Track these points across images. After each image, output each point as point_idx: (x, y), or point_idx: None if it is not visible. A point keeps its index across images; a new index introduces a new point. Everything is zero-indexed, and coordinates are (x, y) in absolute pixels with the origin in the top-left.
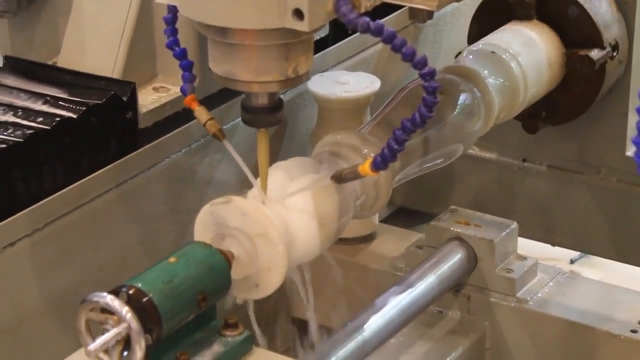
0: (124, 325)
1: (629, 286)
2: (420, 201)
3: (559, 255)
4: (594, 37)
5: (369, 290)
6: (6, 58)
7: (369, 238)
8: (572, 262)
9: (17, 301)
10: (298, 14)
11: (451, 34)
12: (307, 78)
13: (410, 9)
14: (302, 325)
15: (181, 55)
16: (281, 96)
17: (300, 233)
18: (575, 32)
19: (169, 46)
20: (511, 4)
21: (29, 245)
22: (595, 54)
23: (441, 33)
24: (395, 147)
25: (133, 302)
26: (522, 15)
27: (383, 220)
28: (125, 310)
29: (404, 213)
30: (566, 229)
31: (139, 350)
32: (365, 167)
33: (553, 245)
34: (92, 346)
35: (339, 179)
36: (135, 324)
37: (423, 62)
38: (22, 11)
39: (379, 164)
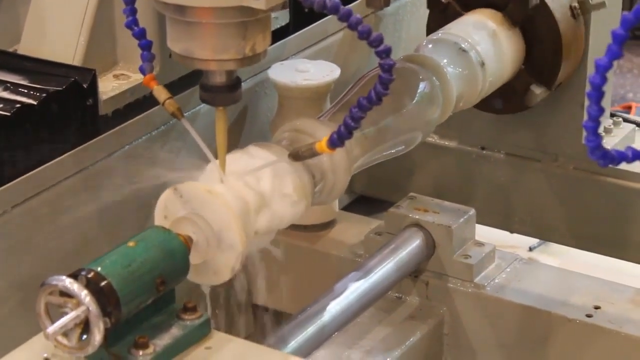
0: (82, 309)
1: (587, 273)
2: (380, 189)
3: (518, 243)
4: (551, 76)
5: (329, 277)
6: None
7: (329, 225)
8: (530, 249)
9: None
10: None
11: (411, 23)
12: (264, 57)
13: None
14: (263, 312)
15: (140, 34)
16: (242, 84)
17: (259, 212)
18: (541, 61)
19: (128, 26)
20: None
21: None
22: (541, 93)
23: (401, 23)
24: (352, 124)
25: (92, 285)
26: (512, 18)
27: (344, 208)
28: (84, 294)
29: (365, 201)
30: (524, 216)
31: (97, 334)
32: (322, 144)
33: (511, 232)
34: (51, 329)
35: (296, 156)
36: (94, 307)
37: (379, 40)
38: None
39: (335, 141)
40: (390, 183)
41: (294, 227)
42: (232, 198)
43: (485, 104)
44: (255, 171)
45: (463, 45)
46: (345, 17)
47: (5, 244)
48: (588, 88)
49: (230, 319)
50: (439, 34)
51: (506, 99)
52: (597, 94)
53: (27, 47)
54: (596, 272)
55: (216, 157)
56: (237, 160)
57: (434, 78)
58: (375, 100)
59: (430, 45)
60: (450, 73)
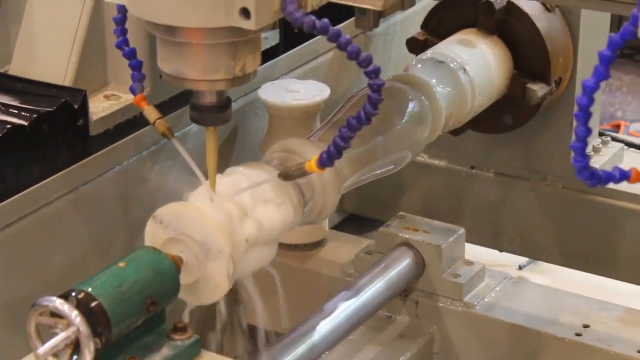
0: (73, 329)
1: (576, 292)
2: (370, 208)
3: (508, 262)
4: (543, 71)
5: (320, 296)
6: None
7: (319, 244)
8: (520, 268)
9: None
10: (245, 12)
11: (401, 43)
12: (254, 76)
13: (356, 18)
14: (253, 332)
15: (130, 54)
16: (232, 104)
17: (243, 219)
18: (527, 59)
19: (119, 46)
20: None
21: None
22: (541, 89)
23: (391, 43)
24: (341, 144)
25: (82, 306)
26: (486, 29)
27: (334, 227)
28: (74, 314)
29: (355, 220)
30: (513, 235)
31: (88, 354)
32: (312, 163)
33: (500, 251)
34: (41, 350)
35: (286, 176)
36: (84, 328)
37: (368, 60)
38: None
39: (325, 161)
40: (380, 202)
41: (284, 247)
42: (210, 208)
43: (494, 124)
44: (245, 189)
45: (452, 65)
46: (335, 38)
47: None
48: (576, 109)
49: (223, 339)
50: (428, 53)
51: (514, 113)
52: (585, 115)
53: (18, 67)
54: (585, 291)
55: (206, 176)
56: (228, 179)
57: (423, 98)
58: (364, 120)
59: (419, 65)
60: (440, 93)
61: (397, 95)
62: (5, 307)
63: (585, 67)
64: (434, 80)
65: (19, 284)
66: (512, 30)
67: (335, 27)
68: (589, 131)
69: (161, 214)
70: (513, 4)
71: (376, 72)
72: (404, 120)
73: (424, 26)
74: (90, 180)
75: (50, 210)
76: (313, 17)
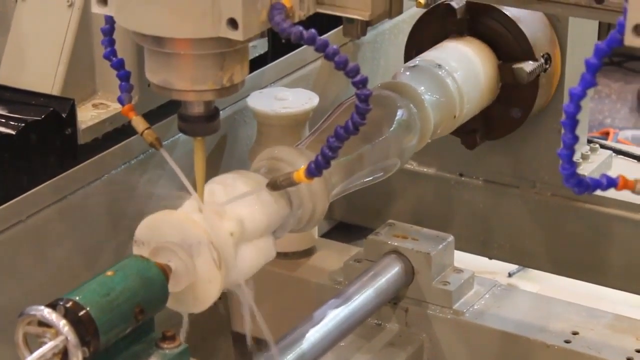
0: (61, 338)
1: (566, 299)
2: (359, 215)
3: (498, 269)
4: (526, 50)
5: (309, 304)
6: None
7: (308, 252)
8: (510, 275)
9: None
10: (232, 23)
11: (389, 51)
12: (242, 86)
13: (344, 26)
14: (242, 340)
15: (118, 65)
16: (221, 112)
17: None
18: (507, 46)
19: (107, 56)
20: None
21: None
22: (528, 65)
23: (379, 50)
24: (329, 154)
25: (70, 315)
26: (455, 32)
27: (323, 235)
28: (62, 324)
29: (344, 228)
30: (503, 242)
31: None
32: (300, 173)
33: (490, 258)
34: (29, 359)
35: (274, 186)
36: (72, 337)
37: (355, 70)
38: None
39: (313, 171)
40: (370, 210)
41: None
42: (208, 225)
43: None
44: (233, 200)
45: (440, 73)
46: (322, 48)
47: None
48: (563, 117)
49: (211, 347)
50: (417, 61)
51: (521, 105)
52: (572, 123)
53: (5, 77)
54: (575, 298)
55: (195, 187)
56: (216, 190)
57: (412, 105)
58: (352, 130)
59: (407, 73)
60: (428, 100)
61: (385, 103)
62: None
63: (573, 74)
64: (422, 88)
65: (6, 293)
66: (481, 25)
67: (322, 38)
68: (576, 139)
69: (138, 235)
70: (471, 2)
71: (364, 82)
72: (392, 128)
73: (407, 50)
74: (78, 189)
75: (38, 220)
76: (300, 28)
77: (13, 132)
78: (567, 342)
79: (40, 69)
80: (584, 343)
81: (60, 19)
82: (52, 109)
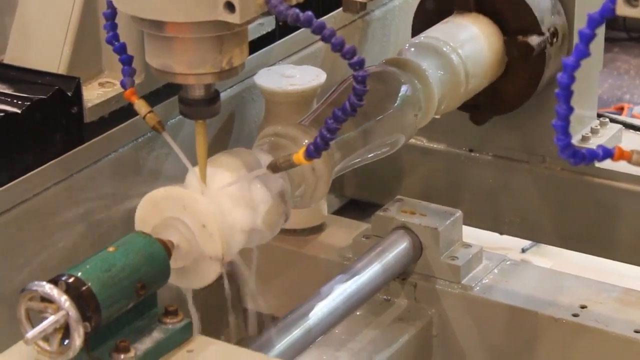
0: (62, 313)
1: (579, 274)
2: (370, 192)
3: (511, 245)
4: (532, 25)
5: (318, 280)
6: None
7: (318, 229)
8: (523, 251)
9: None
10: (229, 6)
11: (399, 28)
12: (242, 69)
13: (344, 3)
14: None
15: (120, 49)
16: (228, 90)
17: (238, 222)
18: (513, 21)
19: (109, 41)
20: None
21: None
22: (533, 39)
23: (389, 27)
24: (328, 135)
25: (72, 290)
26: (461, 7)
27: (334, 212)
28: (63, 299)
29: (355, 205)
30: (513, 218)
31: (77, 338)
32: (299, 155)
33: (500, 234)
34: (30, 334)
35: (274, 167)
36: (73, 312)
37: (352, 52)
38: None
39: (312, 153)
40: (380, 186)
41: (283, 231)
42: (211, 203)
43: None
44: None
45: (445, 49)
46: (319, 30)
47: None
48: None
49: (221, 323)
50: (421, 37)
51: (528, 79)
52: (566, 93)
53: (12, 56)
54: (588, 273)
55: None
56: (217, 170)
57: (416, 81)
58: (350, 111)
59: (412, 49)
60: (432, 76)
61: (389, 79)
62: (1, 295)
63: None
64: (426, 64)
65: (13, 272)
66: (487, 1)
67: (319, 20)
68: (570, 109)
69: (140, 211)
70: None
71: (360, 64)
72: (396, 104)
73: (414, 26)
74: (84, 167)
75: (45, 198)
76: (297, 10)
77: (19, 111)
78: (575, 315)
79: (46, 49)
80: (592, 316)
81: None
82: (57, 87)
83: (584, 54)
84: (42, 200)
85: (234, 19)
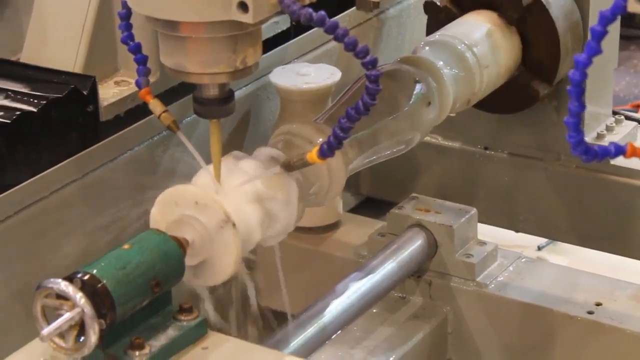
0: (77, 310)
1: (595, 272)
2: (386, 190)
3: (527, 243)
4: (550, 73)
5: (334, 278)
6: None
7: (333, 227)
8: (539, 248)
9: None
10: (242, 6)
11: (415, 25)
12: (256, 69)
13: (357, 1)
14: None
15: (135, 49)
16: (244, 88)
17: (252, 219)
18: (538, 58)
19: (124, 41)
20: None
21: None
22: (542, 89)
23: (405, 25)
24: (341, 134)
25: (87, 287)
26: (505, 16)
27: (351, 210)
28: (79, 296)
29: (371, 203)
30: (528, 215)
31: (92, 335)
32: (313, 154)
33: (516, 231)
34: (45, 330)
35: (288, 166)
36: (88, 309)
37: (365, 52)
38: None
39: (325, 152)
40: (396, 184)
41: (298, 230)
42: (225, 201)
43: (491, 105)
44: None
45: (460, 47)
46: (332, 30)
47: (6, 251)
48: (593, 92)
49: (239, 321)
50: (437, 35)
51: (509, 98)
52: (578, 90)
53: (29, 55)
54: (604, 271)
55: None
56: (232, 169)
57: (430, 79)
58: (363, 110)
59: (427, 47)
60: (447, 74)
61: (404, 77)
62: (16, 293)
63: None
64: (441, 62)
65: (30, 270)
66: (530, 26)
67: (332, 19)
68: (582, 106)
69: (155, 209)
70: (540, 2)
71: (373, 63)
72: (410, 102)
73: (429, 23)
74: (100, 165)
75: (61, 196)
76: (310, 10)
77: (34, 109)
78: (590, 313)
79: (62, 48)
80: (607, 314)
81: None
82: (73, 86)
83: (596, 51)
84: (58, 198)
85: (247, 18)
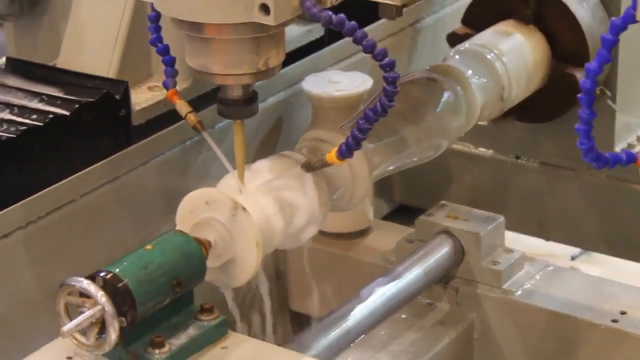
0: (98, 308)
1: (628, 282)
2: (419, 198)
3: (560, 252)
4: (582, 56)
5: (363, 283)
6: (8, 59)
7: (364, 233)
8: (572, 258)
9: (11, 291)
10: (264, 8)
11: None
12: (279, 70)
13: (380, 6)
14: (300, 319)
15: (163, 51)
16: (277, 95)
17: (274, 222)
18: (565, 45)
19: (152, 42)
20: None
21: (23, 237)
22: (581, 75)
23: (440, 35)
24: (359, 135)
25: (109, 286)
26: (519, 18)
27: (384, 217)
28: (100, 294)
29: (405, 210)
30: (558, 224)
31: (112, 332)
32: (332, 155)
33: (547, 240)
34: (66, 327)
35: (308, 167)
36: (109, 307)
37: (383, 54)
38: (25, 15)
39: (344, 152)
40: (428, 192)
41: (329, 235)
42: (248, 202)
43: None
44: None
45: (489, 56)
46: (351, 32)
47: (37, 250)
48: (626, 100)
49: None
50: (466, 44)
51: (550, 102)
52: (588, 98)
53: (65, 61)
54: (637, 281)
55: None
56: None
57: (458, 88)
58: (381, 112)
59: (457, 56)
60: (475, 83)
61: (432, 85)
62: (48, 292)
63: (627, 54)
64: (470, 71)
65: (61, 270)
66: (548, 19)
67: (351, 22)
68: (593, 114)
69: (180, 211)
70: None
71: (391, 65)
72: (438, 110)
73: (464, 21)
74: (132, 169)
75: (93, 198)
76: (330, 12)
77: (67, 113)
78: (614, 321)
79: (97, 53)
80: (632, 322)
81: (116, 4)
82: (106, 91)
83: (606, 59)
84: (89, 200)
85: (268, 20)
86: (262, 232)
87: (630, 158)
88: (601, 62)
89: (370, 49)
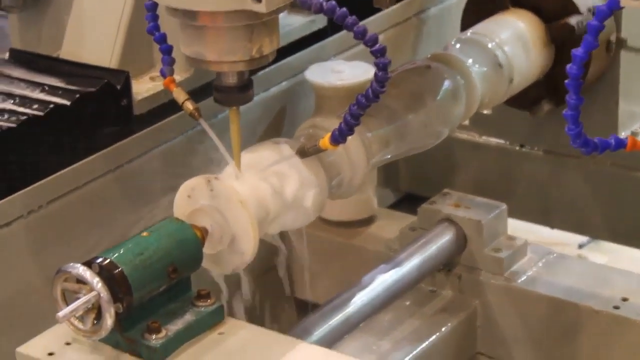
0: (93, 294)
1: (636, 270)
2: (424, 186)
3: (568, 240)
4: (569, 7)
5: (366, 271)
6: (11, 51)
7: (368, 221)
8: (580, 247)
9: (13, 279)
10: None
11: (456, 25)
12: (273, 57)
13: None
14: (303, 306)
15: (160, 39)
16: (281, 84)
17: (270, 207)
18: (551, 7)
19: (150, 31)
20: None
21: (24, 226)
22: (572, 19)
23: (445, 25)
24: (352, 121)
25: (104, 272)
26: (499, 7)
27: (390, 206)
28: (96, 281)
29: (411, 199)
30: (563, 212)
31: (108, 318)
32: (325, 140)
33: (551, 228)
34: (62, 312)
35: (302, 152)
36: (105, 293)
37: (374, 40)
38: (28, 7)
39: (337, 138)
40: (434, 180)
41: (333, 223)
42: (243, 189)
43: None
44: (266, 167)
45: (490, 45)
46: (342, 19)
47: (38, 238)
48: (628, 88)
49: (273, 312)
50: (468, 33)
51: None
52: (575, 84)
53: (68, 52)
54: None
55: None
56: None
57: (458, 77)
58: (372, 97)
59: (458, 45)
60: (475, 72)
61: (432, 73)
62: (49, 283)
63: (630, 42)
64: (470, 60)
65: (63, 258)
66: (544, 4)
67: (342, 9)
68: (580, 100)
69: (178, 198)
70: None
71: (382, 51)
72: (438, 98)
73: (463, 26)
74: (134, 158)
75: (95, 187)
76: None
77: (68, 103)
78: (616, 307)
79: (99, 44)
80: (634, 309)
81: None
82: (106, 81)
83: (593, 45)
84: (91, 189)
85: (260, 8)
86: (250, 199)
87: (619, 143)
88: (587, 49)
89: (361, 35)
